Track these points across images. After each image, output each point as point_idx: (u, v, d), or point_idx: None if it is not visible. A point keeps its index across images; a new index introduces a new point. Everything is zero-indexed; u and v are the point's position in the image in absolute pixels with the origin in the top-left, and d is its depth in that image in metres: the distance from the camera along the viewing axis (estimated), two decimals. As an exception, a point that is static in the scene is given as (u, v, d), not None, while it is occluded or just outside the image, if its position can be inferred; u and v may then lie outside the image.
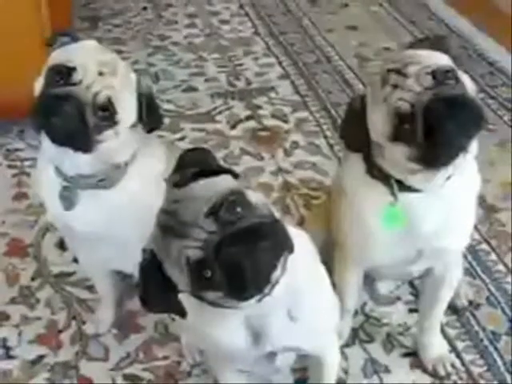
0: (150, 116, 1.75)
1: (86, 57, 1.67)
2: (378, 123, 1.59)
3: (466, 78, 1.59)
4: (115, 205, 1.78)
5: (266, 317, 1.44)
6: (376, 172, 1.70)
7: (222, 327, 1.46)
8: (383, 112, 1.57)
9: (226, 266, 1.24)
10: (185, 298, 1.40)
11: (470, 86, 1.59)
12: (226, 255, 1.23)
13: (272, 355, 1.56)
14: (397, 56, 1.64)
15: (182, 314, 1.39)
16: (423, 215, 1.68)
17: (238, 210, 1.27)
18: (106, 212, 1.78)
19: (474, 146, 1.63)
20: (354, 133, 1.68)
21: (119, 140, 1.70)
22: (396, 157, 1.60)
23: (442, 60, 1.59)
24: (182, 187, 1.33)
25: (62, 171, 1.77)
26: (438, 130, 1.49)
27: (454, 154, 1.56)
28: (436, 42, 1.70)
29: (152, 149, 1.86)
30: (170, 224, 1.29)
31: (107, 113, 1.65)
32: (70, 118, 1.61)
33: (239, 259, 1.23)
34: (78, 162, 1.72)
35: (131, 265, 1.96)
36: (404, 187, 1.66)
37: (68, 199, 1.79)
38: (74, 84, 1.63)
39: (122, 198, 1.78)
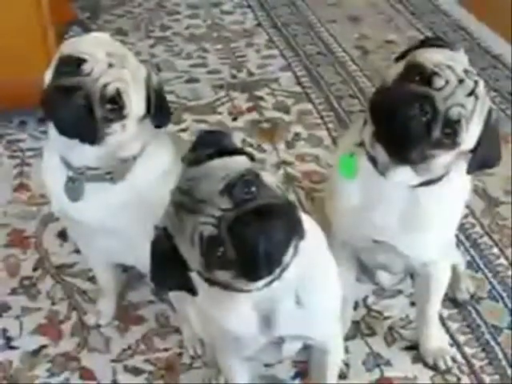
0: (158, 112, 1.75)
1: (96, 48, 1.66)
2: (421, 54, 1.60)
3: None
4: (121, 198, 1.77)
5: (275, 301, 1.44)
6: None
7: (233, 311, 1.46)
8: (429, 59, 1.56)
9: (238, 244, 1.24)
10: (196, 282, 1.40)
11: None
12: (240, 233, 1.23)
13: (280, 342, 1.56)
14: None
15: (193, 291, 1.38)
16: (379, 205, 1.69)
17: (253, 189, 1.27)
18: (111, 205, 1.77)
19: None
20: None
21: (127, 134, 1.70)
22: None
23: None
24: (198, 165, 1.33)
25: (68, 162, 1.76)
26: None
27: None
28: None
29: (160, 142, 1.85)
30: (184, 201, 1.29)
31: (116, 105, 1.64)
32: (78, 110, 1.61)
33: (252, 238, 1.22)
34: (86, 154, 1.72)
35: (134, 257, 1.98)
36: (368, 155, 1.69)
37: (74, 190, 1.78)
38: (83, 75, 1.62)
39: (128, 192, 1.77)
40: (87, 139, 1.66)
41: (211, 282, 1.36)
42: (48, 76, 1.69)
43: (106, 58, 1.64)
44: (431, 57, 1.58)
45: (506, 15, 3.66)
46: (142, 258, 1.94)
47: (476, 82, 1.55)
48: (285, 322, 1.47)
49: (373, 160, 1.68)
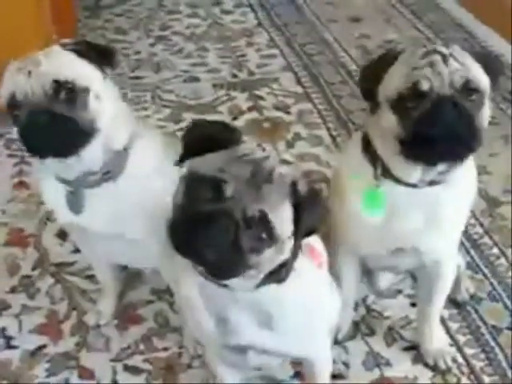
0: (100, 56, 1.70)
1: None
2: (393, 82, 1.59)
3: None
4: (124, 195, 1.75)
5: (229, 309, 1.44)
6: (369, 153, 1.70)
7: (196, 309, 1.49)
8: (404, 75, 1.56)
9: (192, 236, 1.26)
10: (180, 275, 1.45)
11: None
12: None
13: (242, 350, 1.55)
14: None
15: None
16: (404, 213, 1.69)
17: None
18: (116, 206, 1.75)
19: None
20: (370, 76, 1.65)
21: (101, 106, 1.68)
22: (385, 131, 1.60)
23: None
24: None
25: (63, 178, 1.76)
26: (430, 129, 1.50)
27: (435, 160, 1.57)
28: None
29: (149, 135, 1.85)
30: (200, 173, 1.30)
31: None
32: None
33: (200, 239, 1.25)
34: (84, 160, 1.70)
35: (136, 258, 1.98)
36: (392, 177, 1.67)
37: (75, 203, 1.78)
38: None
39: (129, 186, 1.76)
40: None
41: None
42: None
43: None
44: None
45: (506, 15, 3.66)
46: (143, 258, 1.96)
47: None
48: (245, 334, 1.47)
49: (396, 179, 1.67)
